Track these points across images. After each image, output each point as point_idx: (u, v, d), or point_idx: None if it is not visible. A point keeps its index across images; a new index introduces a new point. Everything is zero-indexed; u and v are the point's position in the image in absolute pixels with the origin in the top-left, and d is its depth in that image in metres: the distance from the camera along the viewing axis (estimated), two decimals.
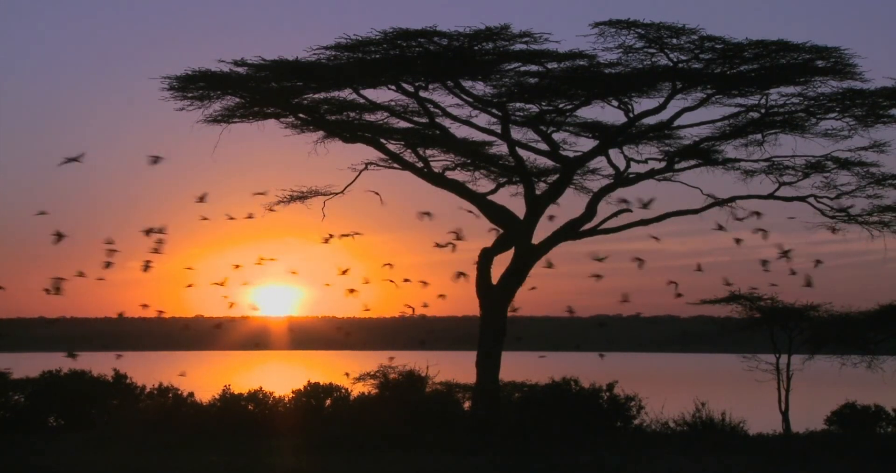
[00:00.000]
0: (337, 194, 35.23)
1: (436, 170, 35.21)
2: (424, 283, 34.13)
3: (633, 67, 32.38)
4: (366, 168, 35.07)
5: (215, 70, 32.91)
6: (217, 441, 30.18)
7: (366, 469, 26.00)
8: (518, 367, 48.40)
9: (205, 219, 32.84)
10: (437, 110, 33.79)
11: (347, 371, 38.18)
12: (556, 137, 34.68)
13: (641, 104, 33.74)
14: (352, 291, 34.53)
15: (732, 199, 34.76)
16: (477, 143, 35.75)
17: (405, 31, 31.50)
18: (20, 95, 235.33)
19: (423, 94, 33.43)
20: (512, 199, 35.61)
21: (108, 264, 30.95)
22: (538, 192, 34.44)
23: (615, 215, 34.37)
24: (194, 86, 33.23)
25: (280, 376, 77.82)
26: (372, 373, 37.39)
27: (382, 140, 34.66)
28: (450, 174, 35.73)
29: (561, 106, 33.92)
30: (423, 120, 34.29)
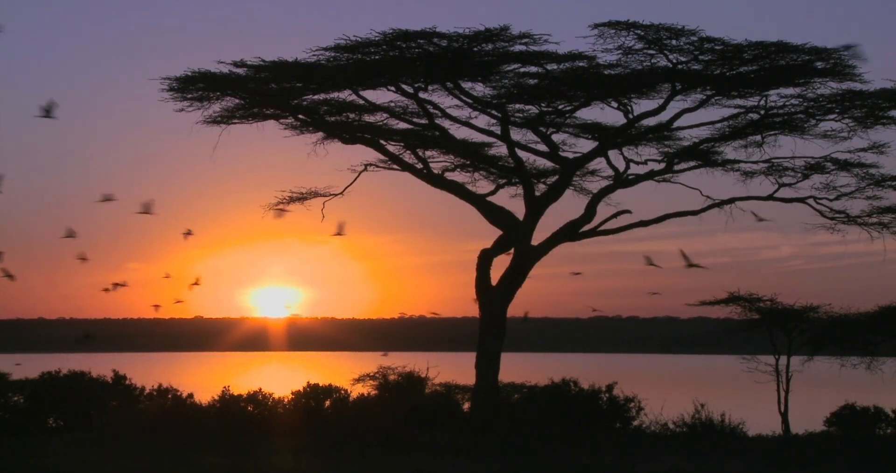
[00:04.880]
0: (336, 195, 35.26)
1: (435, 171, 35.24)
2: (339, 234, 33.38)
3: (632, 68, 32.40)
4: (365, 169, 35.13)
5: (215, 71, 32.95)
6: (216, 442, 30.19)
7: (365, 470, 26.01)
8: (518, 368, 48.44)
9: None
10: (436, 111, 33.81)
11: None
12: (556, 138, 34.72)
13: (641, 105, 33.76)
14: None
15: (732, 200, 34.76)
16: (476, 144, 35.78)
17: (404, 33, 31.52)
18: (20, 96, 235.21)
19: (422, 95, 33.45)
20: (511, 200, 35.68)
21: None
22: (538, 193, 34.45)
23: (615, 216, 34.39)
24: (194, 87, 33.26)
25: (279, 377, 77.82)
26: (371, 374, 37.41)
27: (382, 141, 34.68)
28: (449, 175, 35.79)
29: (560, 107, 33.92)
30: (423, 121, 34.30)
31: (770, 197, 34.98)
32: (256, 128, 34.80)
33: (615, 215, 34.36)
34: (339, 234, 32.05)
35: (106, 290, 31.52)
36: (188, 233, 30.86)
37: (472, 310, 34.33)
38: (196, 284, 32.30)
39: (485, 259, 34.03)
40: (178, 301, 34.15)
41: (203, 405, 35.10)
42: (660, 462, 26.94)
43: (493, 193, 35.33)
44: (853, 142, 34.14)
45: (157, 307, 33.66)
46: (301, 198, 35.24)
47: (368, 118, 35.11)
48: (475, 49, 31.87)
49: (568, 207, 35.76)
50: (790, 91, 33.13)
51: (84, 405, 35.07)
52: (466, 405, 35.22)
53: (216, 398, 34.96)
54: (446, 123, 34.22)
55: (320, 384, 35.85)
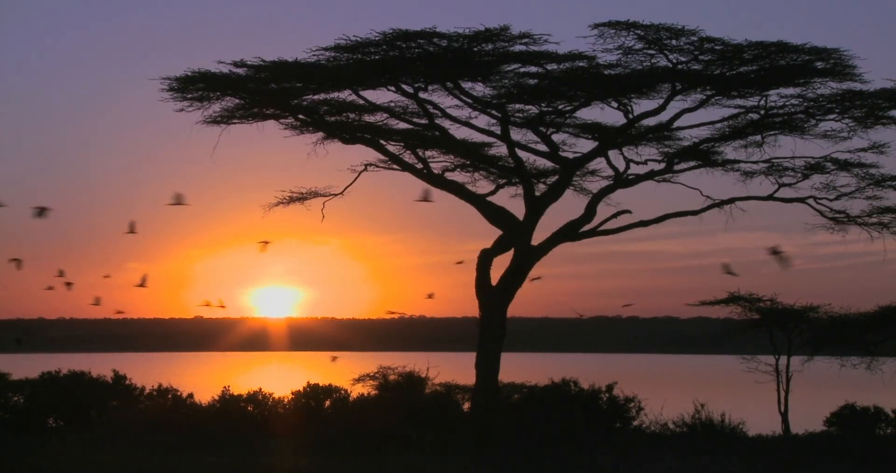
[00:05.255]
0: (336, 195, 35.26)
1: (435, 171, 35.22)
2: (265, 243, 33.08)
3: (632, 68, 32.39)
4: (365, 169, 35.12)
5: (215, 71, 32.94)
6: (216, 441, 30.20)
7: (365, 470, 26.02)
8: (518, 368, 48.43)
9: None
10: (436, 111, 33.81)
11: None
12: (556, 138, 34.70)
13: (641, 105, 33.73)
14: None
15: (732, 200, 34.75)
16: (476, 144, 35.78)
17: (404, 33, 31.51)
18: (21, 95, 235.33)
19: (422, 95, 33.44)
20: (511, 200, 35.68)
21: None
22: (538, 193, 34.45)
23: (615, 216, 34.39)
24: (194, 87, 33.25)
25: (279, 377, 77.84)
26: (371, 374, 37.41)
27: (382, 141, 34.67)
28: (449, 175, 35.76)
29: (560, 107, 33.91)
30: (423, 121, 34.29)
31: (770, 197, 34.96)
32: (256, 128, 34.81)
33: (615, 215, 34.36)
34: (177, 203, 31.15)
35: (49, 288, 31.38)
36: (132, 229, 30.72)
37: (473, 310, 34.36)
38: (142, 285, 31.99)
39: (485, 259, 34.04)
40: (119, 312, 34.15)
41: (203, 405, 35.12)
42: (660, 462, 26.95)
43: (493, 193, 35.32)
44: (853, 142, 34.14)
45: (96, 302, 33.33)
46: (301, 198, 35.22)
47: (368, 118, 35.10)
48: (475, 49, 31.87)
49: (568, 207, 35.79)
50: (790, 91, 33.12)
51: (84, 406, 35.08)
52: (466, 405, 35.21)
53: (216, 398, 34.98)
54: (446, 123, 34.23)
55: (320, 385, 35.86)
